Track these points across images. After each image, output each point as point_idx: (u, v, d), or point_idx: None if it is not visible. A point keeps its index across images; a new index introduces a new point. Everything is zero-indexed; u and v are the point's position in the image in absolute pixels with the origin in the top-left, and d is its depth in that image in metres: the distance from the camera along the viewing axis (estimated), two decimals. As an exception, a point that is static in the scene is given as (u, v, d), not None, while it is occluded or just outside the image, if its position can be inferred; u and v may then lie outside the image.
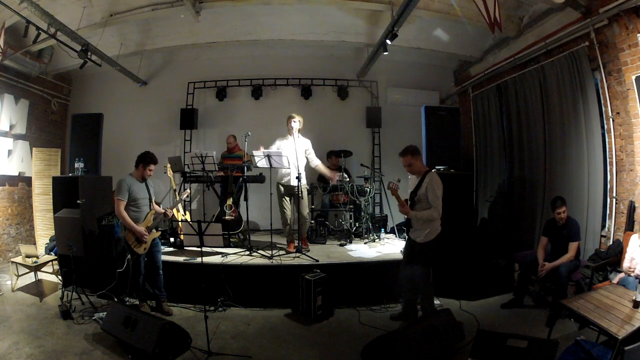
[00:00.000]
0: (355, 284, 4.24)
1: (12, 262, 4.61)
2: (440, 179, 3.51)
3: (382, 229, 5.80)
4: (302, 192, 4.65)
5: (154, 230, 3.96)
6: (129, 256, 3.87)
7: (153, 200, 4.07)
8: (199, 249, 3.31)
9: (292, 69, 7.18)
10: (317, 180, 6.33)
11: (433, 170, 3.63)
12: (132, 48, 6.31)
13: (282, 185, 4.80)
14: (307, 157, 4.88)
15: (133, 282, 3.95)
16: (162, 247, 4.30)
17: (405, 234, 5.33)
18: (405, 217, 3.74)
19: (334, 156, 6.52)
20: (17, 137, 6.01)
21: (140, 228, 3.82)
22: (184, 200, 6.25)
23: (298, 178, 4.54)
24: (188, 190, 4.76)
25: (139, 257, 3.88)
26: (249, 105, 7.21)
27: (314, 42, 6.41)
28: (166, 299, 4.05)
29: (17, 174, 6.03)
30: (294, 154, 4.62)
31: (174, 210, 4.56)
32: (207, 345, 3.06)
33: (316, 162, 4.95)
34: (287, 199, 4.84)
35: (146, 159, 3.92)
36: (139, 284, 3.94)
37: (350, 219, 5.65)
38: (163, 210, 4.08)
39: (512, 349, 2.56)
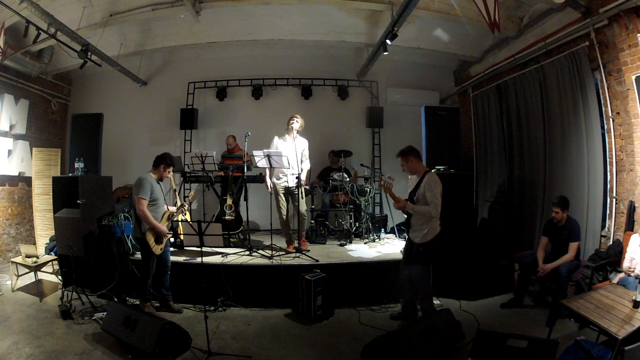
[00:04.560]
0: (355, 284, 4.24)
1: (12, 262, 4.61)
2: (440, 179, 3.53)
3: (382, 229, 5.79)
4: (301, 191, 4.65)
5: None
6: (132, 256, 3.83)
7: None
8: (199, 249, 3.31)
9: (292, 69, 7.18)
10: (317, 179, 6.34)
11: (432, 171, 3.67)
12: (132, 48, 6.31)
13: (280, 184, 4.79)
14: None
15: (141, 284, 3.93)
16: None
17: (405, 234, 5.35)
18: (405, 217, 3.74)
19: (334, 156, 6.52)
20: (17, 137, 6.01)
21: (164, 227, 3.82)
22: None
23: (298, 177, 4.55)
24: (192, 192, 4.77)
25: (152, 258, 3.86)
26: (249, 105, 7.21)
27: (314, 42, 6.41)
28: (172, 298, 4.05)
29: (17, 174, 6.03)
30: (294, 154, 4.61)
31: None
32: (207, 345, 3.06)
33: (304, 166, 4.81)
34: (284, 197, 4.83)
35: (167, 161, 3.92)
36: (147, 284, 3.92)
37: (350, 219, 5.65)
38: (174, 208, 4.06)
39: (512, 349, 2.56)
